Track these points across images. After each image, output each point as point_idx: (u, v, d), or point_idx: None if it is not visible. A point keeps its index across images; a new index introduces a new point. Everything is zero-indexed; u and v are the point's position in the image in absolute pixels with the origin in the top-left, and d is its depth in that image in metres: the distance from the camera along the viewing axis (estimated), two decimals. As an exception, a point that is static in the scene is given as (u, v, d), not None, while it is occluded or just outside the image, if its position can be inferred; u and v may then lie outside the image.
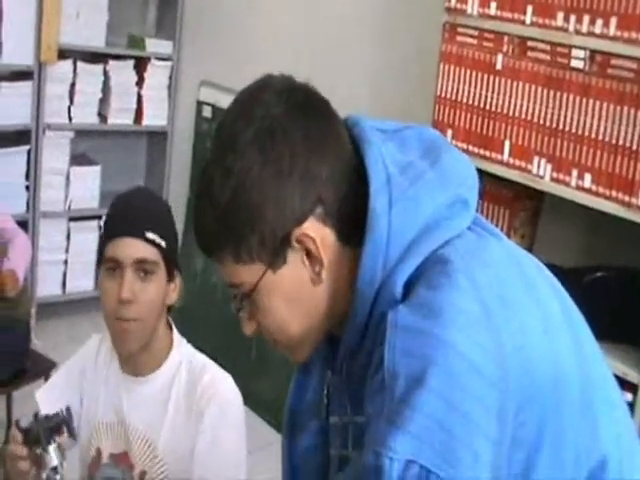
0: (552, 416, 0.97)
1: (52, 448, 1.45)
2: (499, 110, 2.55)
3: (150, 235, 1.60)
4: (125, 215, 1.64)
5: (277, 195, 0.99)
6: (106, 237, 1.66)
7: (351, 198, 1.01)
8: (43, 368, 3.33)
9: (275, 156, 0.98)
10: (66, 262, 4.91)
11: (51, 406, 1.68)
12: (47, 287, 4.85)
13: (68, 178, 4.74)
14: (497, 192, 2.64)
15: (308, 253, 1.01)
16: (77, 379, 1.80)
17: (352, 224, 1.01)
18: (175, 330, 1.77)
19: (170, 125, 5.03)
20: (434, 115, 2.77)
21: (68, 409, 1.54)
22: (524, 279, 1.04)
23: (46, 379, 3.30)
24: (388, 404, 0.92)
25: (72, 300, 5.02)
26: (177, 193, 5.06)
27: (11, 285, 3.12)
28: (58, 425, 1.49)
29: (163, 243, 1.62)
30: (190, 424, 1.65)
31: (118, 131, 4.99)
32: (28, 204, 4.62)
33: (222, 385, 1.68)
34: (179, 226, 4.95)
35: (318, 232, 1.00)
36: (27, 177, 4.57)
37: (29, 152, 4.52)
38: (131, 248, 1.62)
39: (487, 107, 2.59)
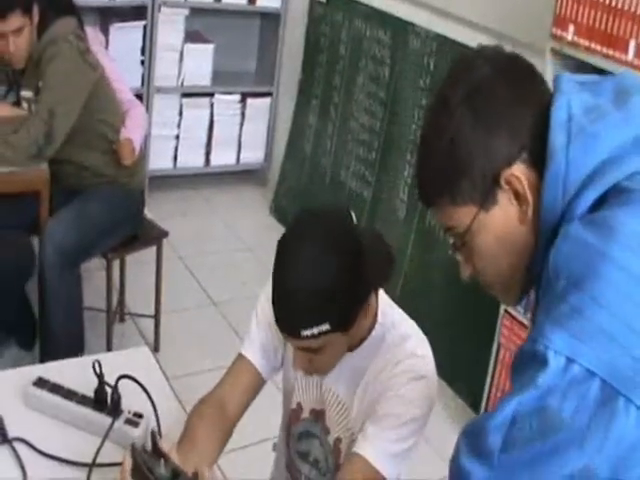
0: None
1: (158, 470, 1.38)
2: (625, 7, 2.47)
3: (307, 333, 1.44)
4: (278, 309, 1.47)
5: (487, 144, 1.09)
6: None
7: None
8: (155, 236, 3.46)
9: (484, 112, 1.10)
10: (177, 137, 5.01)
11: (256, 357, 1.72)
12: (159, 161, 4.98)
13: (182, 55, 4.80)
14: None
15: (516, 193, 1.10)
16: (270, 330, 1.74)
17: None
18: (382, 298, 1.66)
19: (284, 7, 5.01)
20: (556, 9, 2.69)
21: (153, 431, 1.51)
22: None
23: (158, 247, 3.46)
24: (548, 299, 1.00)
25: (182, 175, 5.16)
26: (288, 76, 5.08)
27: (128, 154, 3.20)
28: (154, 445, 1.44)
29: (325, 327, 1.44)
30: (378, 395, 1.61)
31: (232, 10, 5.00)
32: (143, 79, 4.72)
33: (418, 360, 1.60)
34: (289, 110, 5.00)
35: (524, 173, 1.09)
36: (142, 52, 4.66)
37: (145, 27, 4.59)
38: (291, 341, 1.52)
39: (612, 3, 2.51)
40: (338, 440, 1.70)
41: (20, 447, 1.65)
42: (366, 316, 1.56)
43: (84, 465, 1.58)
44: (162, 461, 1.38)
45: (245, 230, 4.82)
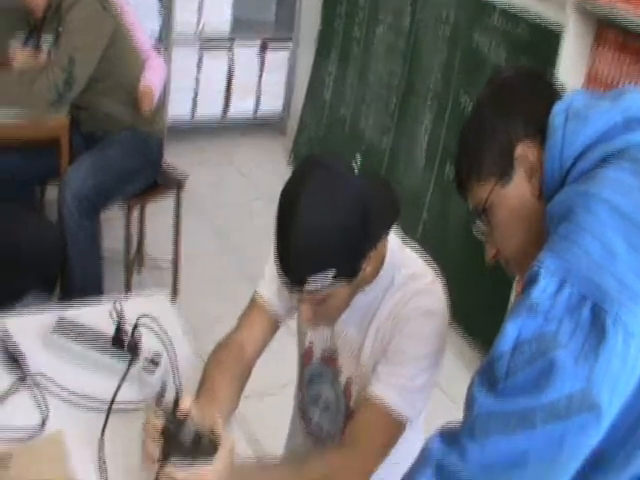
0: None
1: (182, 431, 1.37)
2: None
3: (311, 285, 1.41)
4: (281, 259, 1.43)
5: (505, 127, 1.25)
6: None
7: None
8: (174, 183, 3.45)
9: (505, 102, 1.28)
10: (196, 87, 4.99)
11: (272, 298, 1.71)
12: (177, 111, 4.96)
13: (201, 2, 4.76)
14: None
15: (528, 170, 1.24)
16: None
17: None
18: (391, 236, 1.62)
19: (303, -45, 4.96)
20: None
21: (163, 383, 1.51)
22: None
23: (177, 194, 3.46)
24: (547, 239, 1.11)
25: (200, 125, 5.14)
26: (307, 27, 5.03)
27: (147, 102, 3.19)
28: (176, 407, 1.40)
29: (329, 278, 1.41)
30: (389, 334, 1.58)
31: (252, -43, 4.96)
32: (162, 28, 4.69)
33: (429, 296, 1.58)
34: (308, 60, 4.96)
35: (534, 151, 1.23)
36: (161, 0, 4.63)
37: (164, -25, 4.56)
38: (296, 293, 1.48)
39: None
40: (349, 381, 1.69)
41: (40, 386, 1.67)
42: (372, 264, 1.53)
43: (103, 404, 1.60)
44: (186, 423, 1.38)
45: (263, 179, 4.81)
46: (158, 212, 3.71)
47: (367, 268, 1.50)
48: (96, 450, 1.51)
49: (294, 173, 1.45)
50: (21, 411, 1.61)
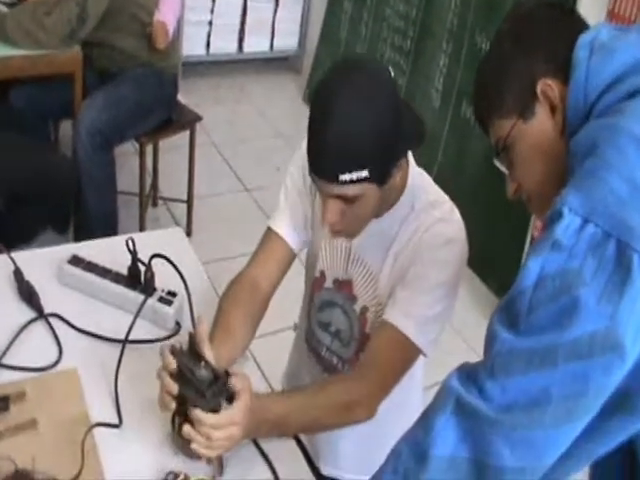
0: None
1: (199, 372, 1.34)
2: None
3: (346, 177, 1.37)
4: (316, 153, 1.40)
5: (527, 62, 1.20)
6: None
7: None
8: (189, 120, 3.40)
9: (526, 36, 1.23)
10: (211, 23, 4.90)
11: (286, 230, 1.68)
12: (192, 47, 4.88)
13: None
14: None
15: (551, 106, 1.19)
16: (299, 198, 1.70)
17: None
18: (412, 162, 1.58)
19: None
20: None
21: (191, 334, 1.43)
22: None
23: (192, 132, 3.41)
24: (570, 174, 1.07)
25: (215, 61, 5.06)
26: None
27: (161, 37, 3.12)
28: (192, 346, 1.38)
29: (364, 173, 1.37)
30: (408, 262, 1.55)
31: None
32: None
33: (449, 225, 1.55)
34: (323, 3, 4.87)
35: (557, 86, 1.17)
36: None
37: None
38: (326, 187, 1.41)
39: None
40: (365, 309, 1.67)
41: (55, 322, 1.65)
42: (400, 174, 1.50)
43: (117, 341, 1.58)
44: (202, 363, 1.35)
45: (278, 117, 4.75)
46: (172, 150, 3.67)
47: (396, 177, 1.47)
48: (111, 386, 1.49)
49: (331, 71, 1.42)
50: (35, 349, 1.59)
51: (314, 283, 1.76)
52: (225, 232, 3.61)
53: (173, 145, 3.59)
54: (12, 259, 1.72)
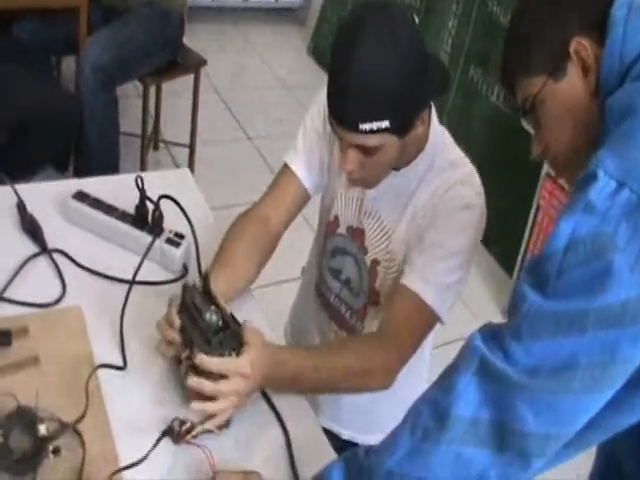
0: None
1: (208, 315, 1.27)
2: None
3: (366, 126, 1.30)
4: (336, 100, 1.33)
5: (559, 19, 1.14)
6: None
7: None
8: (193, 63, 3.31)
9: None
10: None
11: (302, 169, 1.61)
12: (198, -9, 4.77)
13: None
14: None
15: (583, 67, 1.12)
16: (318, 140, 1.63)
17: None
18: (434, 118, 1.51)
19: None
20: None
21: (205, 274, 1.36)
22: None
23: (196, 76, 3.32)
24: (605, 134, 1.02)
25: (221, 7, 4.95)
26: None
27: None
28: (205, 287, 1.31)
29: (385, 124, 1.31)
30: (426, 222, 1.49)
31: None
32: None
33: (469, 188, 1.48)
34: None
35: (591, 46, 1.10)
36: None
37: None
38: (346, 136, 1.35)
39: None
40: (375, 262, 1.61)
41: (59, 259, 1.58)
42: (422, 128, 1.43)
43: (124, 282, 1.52)
44: (212, 307, 1.29)
45: (282, 68, 4.65)
46: (174, 95, 3.58)
47: (418, 129, 1.40)
48: (115, 327, 1.43)
49: (353, 13, 1.34)
50: (38, 284, 1.52)
51: (328, 227, 1.70)
52: (227, 179, 3.53)
53: (176, 89, 3.51)
54: (15, 191, 1.64)
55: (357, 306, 1.69)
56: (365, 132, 1.31)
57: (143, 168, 3.25)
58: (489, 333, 1.04)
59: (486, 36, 3.55)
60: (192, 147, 3.45)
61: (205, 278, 1.33)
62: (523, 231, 3.11)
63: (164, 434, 1.27)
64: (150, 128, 3.48)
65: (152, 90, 3.31)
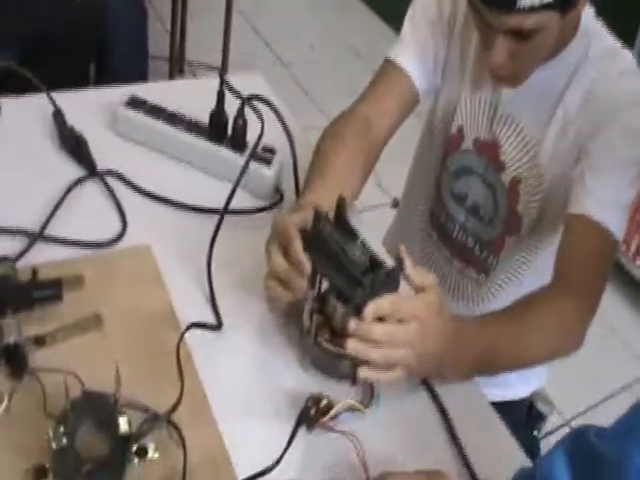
0: None
1: (354, 252, 0.89)
2: None
3: (526, 1, 1.01)
4: None
5: None
6: None
7: None
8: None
9: None
10: None
11: (412, 64, 1.26)
12: None
13: None
14: None
15: None
16: (432, 29, 1.28)
17: None
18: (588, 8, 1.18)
19: None
20: None
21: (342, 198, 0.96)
22: None
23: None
24: None
25: None
26: None
27: None
28: (342, 216, 0.93)
29: None
30: (588, 127, 1.16)
31: None
32: None
33: (633, 81, 1.15)
34: None
35: None
36: None
37: None
38: (498, 18, 1.05)
39: None
40: (516, 180, 1.27)
41: (114, 184, 1.17)
42: (584, 2, 1.10)
43: (208, 211, 1.12)
44: (358, 242, 0.90)
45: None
46: (204, 13, 3.15)
47: (579, 7, 1.08)
48: (199, 272, 1.03)
49: None
50: (89, 218, 1.11)
51: (448, 142, 1.34)
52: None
53: (205, 7, 3.08)
54: (50, 97, 1.23)
55: (489, 237, 1.35)
56: (524, 10, 1.03)
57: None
58: None
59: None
60: (224, 70, 3.02)
61: (339, 204, 0.92)
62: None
63: (300, 420, 0.87)
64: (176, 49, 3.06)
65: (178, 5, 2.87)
